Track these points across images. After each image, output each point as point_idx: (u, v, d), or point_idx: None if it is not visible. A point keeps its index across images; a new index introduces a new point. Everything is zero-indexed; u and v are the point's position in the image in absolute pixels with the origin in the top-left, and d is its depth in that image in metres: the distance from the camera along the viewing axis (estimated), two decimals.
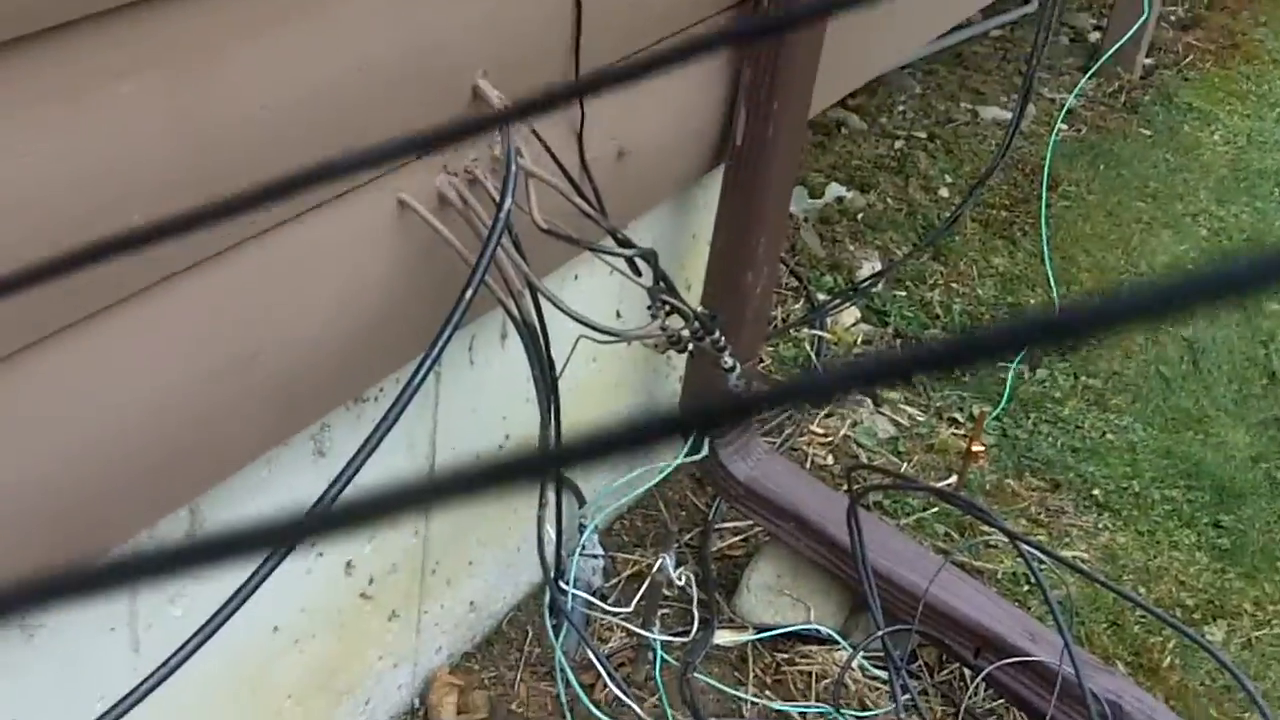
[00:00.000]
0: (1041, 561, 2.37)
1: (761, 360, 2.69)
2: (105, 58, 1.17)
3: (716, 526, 2.37)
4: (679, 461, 2.06)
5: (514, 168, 1.52)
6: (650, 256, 1.68)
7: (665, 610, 2.21)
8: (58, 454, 1.29)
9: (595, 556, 2.14)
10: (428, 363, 1.48)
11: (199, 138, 1.28)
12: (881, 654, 2.13)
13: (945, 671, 2.22)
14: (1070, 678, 2.07)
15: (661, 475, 2.14)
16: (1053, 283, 3.10)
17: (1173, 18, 4.52)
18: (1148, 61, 4.20)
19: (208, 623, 1.38)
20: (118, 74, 1.19)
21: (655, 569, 2.08)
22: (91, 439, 1.32)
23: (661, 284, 1.71)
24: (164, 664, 1.38)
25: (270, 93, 1.33)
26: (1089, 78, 3.90)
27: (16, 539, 1.27)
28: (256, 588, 1.40)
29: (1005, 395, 2.81)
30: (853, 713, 2.09)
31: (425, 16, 1.47)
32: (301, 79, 1.36)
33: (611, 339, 1.71)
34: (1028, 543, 2.25)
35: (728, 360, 1.84)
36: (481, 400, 1.90)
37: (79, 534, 1.35)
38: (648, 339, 1.75)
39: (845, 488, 2.23)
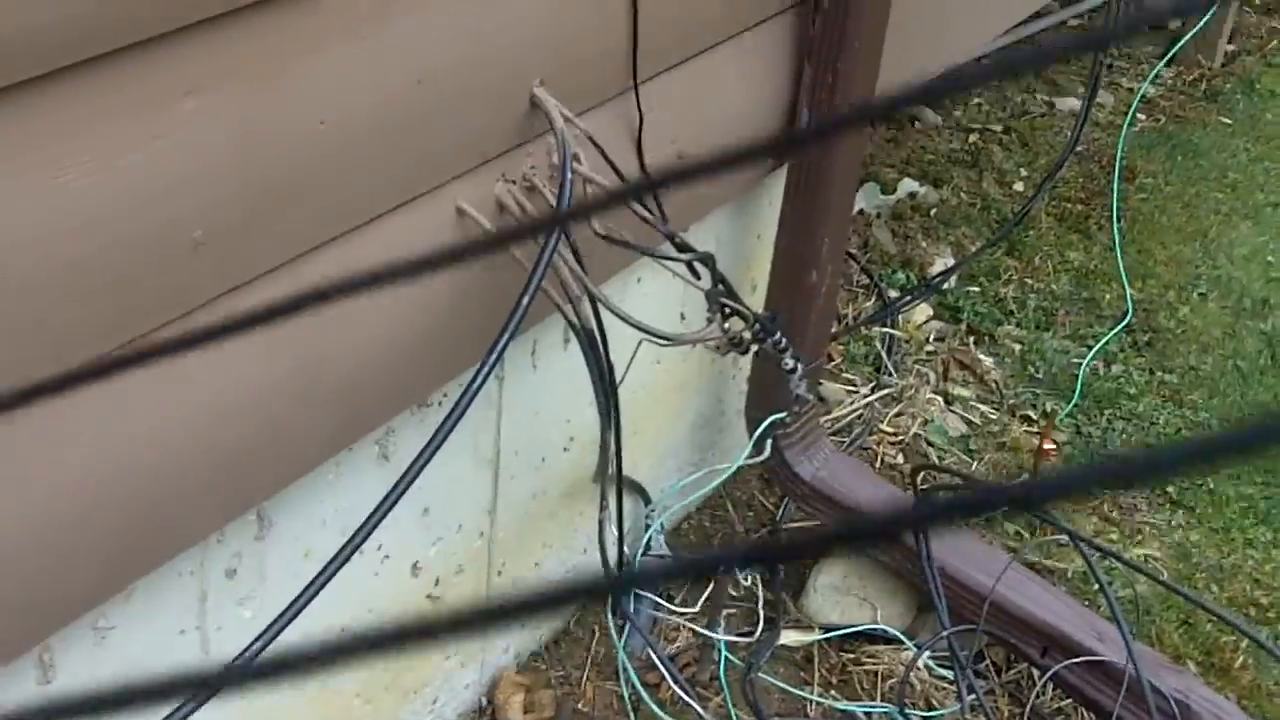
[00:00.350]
0: (1116, 559, 2.35)
1: (830, 359, 2.69)
2: (172, 75, 1.20)
3: (784, 527, 2.38)
4: (741, 463, 2.06)
5: (569, 175, 1.54)
6: (708, 260, 1.68)
7: (731, 610, 2.22)
8: (129, 459, 1.33)
9: (661, 557, 2.15)
10: (485, 369, 1.50)
11: (262, 151, 1.31)
12: (948, 654, 2.12)
13: (1012, 671, 2.21)
14: (1138, 678, 2.06)
15: (725, 476, 2.15)
16: (1125, 278, 3.06)
17: (1257, 2, 4.44)
18: (1229, 48, 4.13)
19: (274, 622, 1.41)
20: (184, 91, 1.22)
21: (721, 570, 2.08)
22: (162, 443, 1.35)
23: (720, 286, 1.72)
24: (235, 659, 1.42)
25: (332, 106, 1.36)
26: (1166, 64, 3.84)
27: (91, 540, 1.31)
28: (321, 588, 1.43)
29: (1078, 391, 2.79)
30: (918, 713, 2.09)
31: (485, 28, 1.49)
32: (363, 92, 1.39)
33: (671, 343, 1.72)
34: (1093, 544, 2.23)
35: (789, 362, 1.85)
36: (544, 403, 1.92)
37: (150, 536, 1.38)
38: (708, 342, 1.76)
39: (911, 488, 2.23)
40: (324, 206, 1.40)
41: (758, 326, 1.81)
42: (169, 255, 1.27)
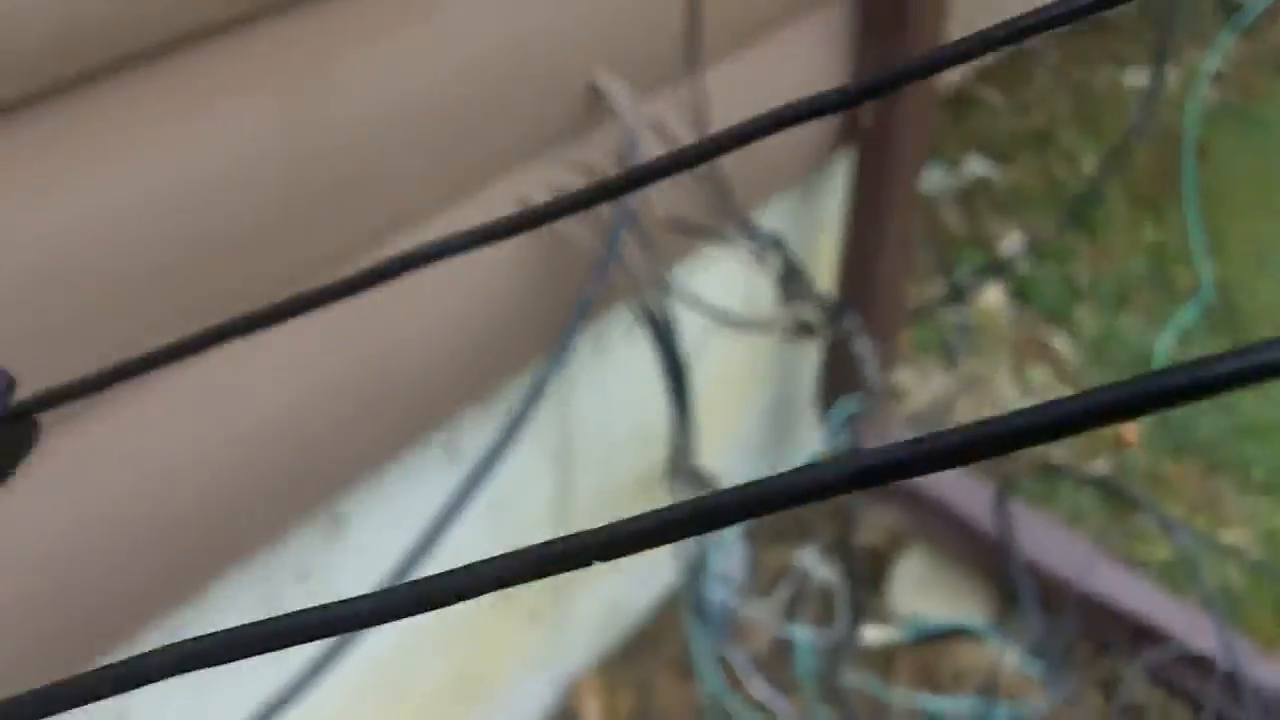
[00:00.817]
0: (1208, 544, 2.27)
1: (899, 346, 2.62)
2: (219, 72, 1.17)
3: (862, 519, 2.31)
4: (816, 452, 2.01)
5: (639, 151, 1.49)
6: (777, 243, 1.63)
7: (810, 606, 2.17)
8: (201, 457, 1.29)
9: (736, 553, 2.10)
10: (553, 366, 1.45)
11: (311, 145, 1.27)
12: (1035, 648, 2.06)
13: (1102, 664, 2.14)
14: (1230, 667, 1.99)
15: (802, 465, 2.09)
16: (1195, 255, 2.98)
17: None
18: None
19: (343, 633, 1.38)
20: (233, 88, 1.18)
21: (799, 564, 2.03)
22: (234, 442, 1.32)
23: (789, 271, 1.67)
24: (308, 672, 1.38)
25: (382, 98, 1.32)
26: (1232, 37, 3.74)
27: (162, 542, 1.28)
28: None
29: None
30: (1007, 708, 2.03)
31: (540, 13, 1.45)
32: (414, 85, 1.34)
33: (740, 329, 1.67)
34: (1184, 530, 2.16)
35: (859, 347, 1.79)
36: (610, 395, 1.87)
37: (223, 537, 1.35)
38: (776, 328, 1.71)
39: (992, 477, 2.16)
40: (380, 201, 1.36)
41: (828, 311, 1.75)
42: (218, 254, 1.23)
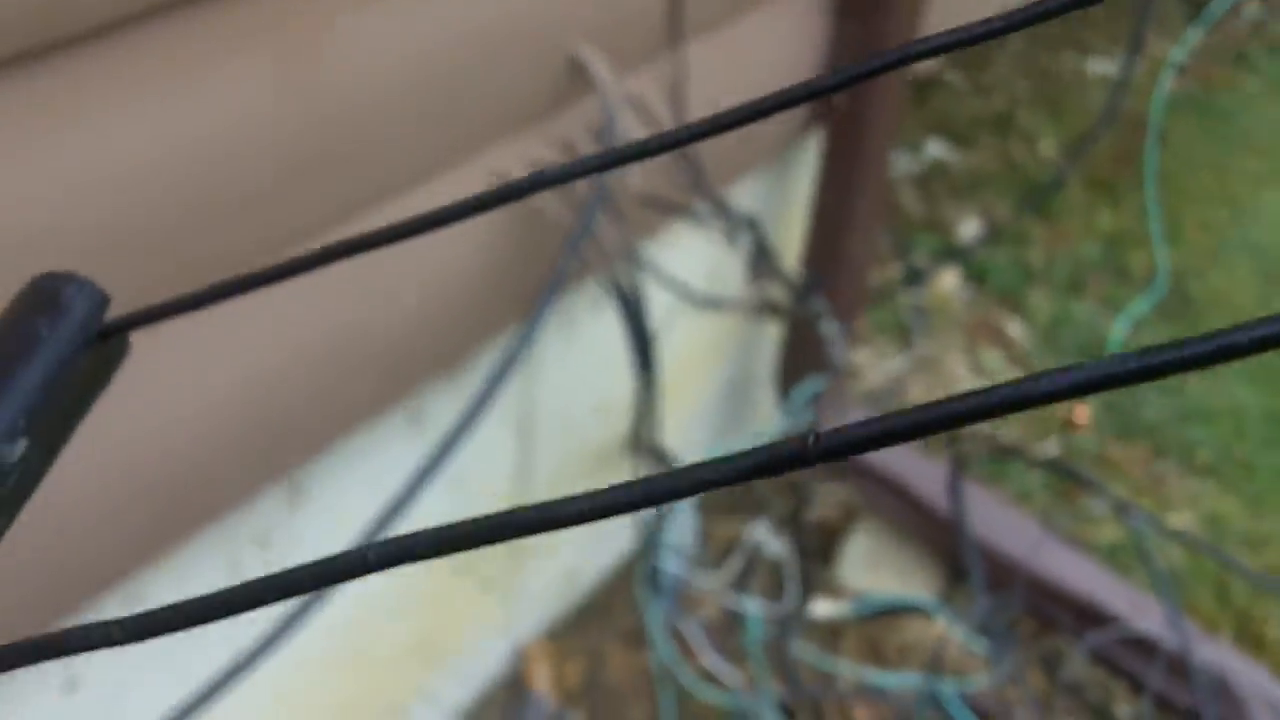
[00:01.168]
0: (1152, 527, 2.32)
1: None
2: (215, 34, 1.17)
3: (815, 495, 2.35)
4: (775, 430, 2.03)
5: (616, 128, 1.50)
6: (751, 223, 1.65)
7: (760, 579, 2.19)
8: (166, 424, 1.30)
9: (687, 524, 2.12)
10: (526, 338, 1.46)
11: (304, 106, 1.27)
12: (980, 625, 2.10)
13: (1045, 642, 2.19)
14: (1173, 648, 2.03)
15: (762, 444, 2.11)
16: (1154, 242, 3.02)
17: None
18: (1256, 10, 4.08)
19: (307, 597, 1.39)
20: (227, 50, 1.18)
21: (750, 537, 2.06)
22: (203, 407, 1.32)
23: (759, 250, 1.68)
24: (264, 641, 1.39)
25: (373, 62, 1.32)
26: (1195, 28, 3.79)
27: (127, 506, 1.28)
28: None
29: None
30: (951, 684, 2.07)
31: None
32: (405, 49, 1.35)
33: (707, 307, 1.69)
34: (1133, 511, 2.20)
35: (825, 329, 1.81)
36: (574, 368, 1.89)
37: (185, 502, 1.36)
38: (744, 306, 1.73)
39: (946, 456, 2.20)
40: (362, 170, 1.37)
41: (797, 292, 1.77)
42: (202, 219, 1.23)
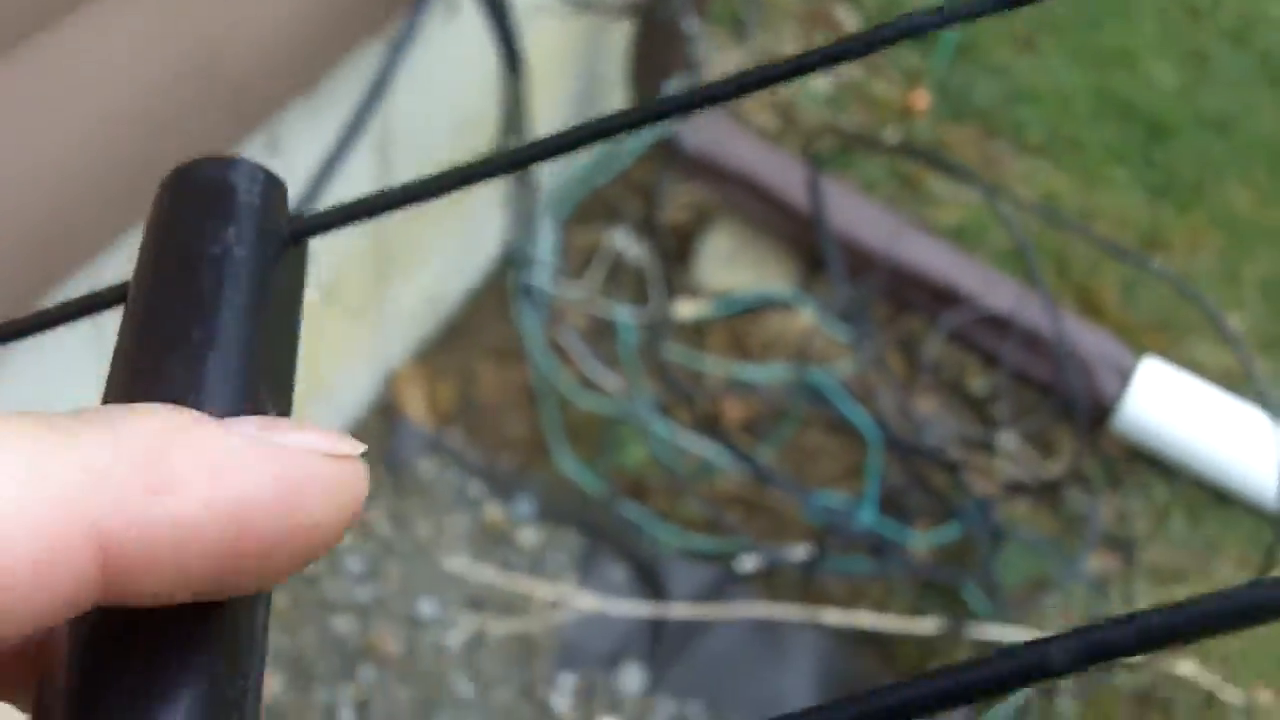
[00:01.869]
0: (1005, 200, 2.38)
1: None
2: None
3: (667, 196, 2.33)
4: (643, 138, 2.00)
5: None
6: None
7: (625, 285, 2.19)
8: (21, 172, 1.21)
9: (545, 235, 2.10)
10: (392, 55, 1.39)
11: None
12: (841, 314, 2.14)
13: (904, 325, 2.25)
14: (1024, 321, 2.11)
15: (633, 154, 2.08)
16: None
17: None
18: None
19: None
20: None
21: (610, 244, 2.05)
22: (59, 150, 1.23)
23: None
24: None
25: None
26: None
27: None
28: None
29: (940, 47, 2.76)
30: (818, 373, 2.12)
31: None
32: None
33: (569, 8, 1.63)
34: (983, 186, 2.25)
35: (687, 26, 1.77)
36: (432, 82, 1.81)
37: (44, 255, 1.28)
38: (604, 8, 1.67)
39: (800, 150, 2.20)
40: None
41: None
42: None
